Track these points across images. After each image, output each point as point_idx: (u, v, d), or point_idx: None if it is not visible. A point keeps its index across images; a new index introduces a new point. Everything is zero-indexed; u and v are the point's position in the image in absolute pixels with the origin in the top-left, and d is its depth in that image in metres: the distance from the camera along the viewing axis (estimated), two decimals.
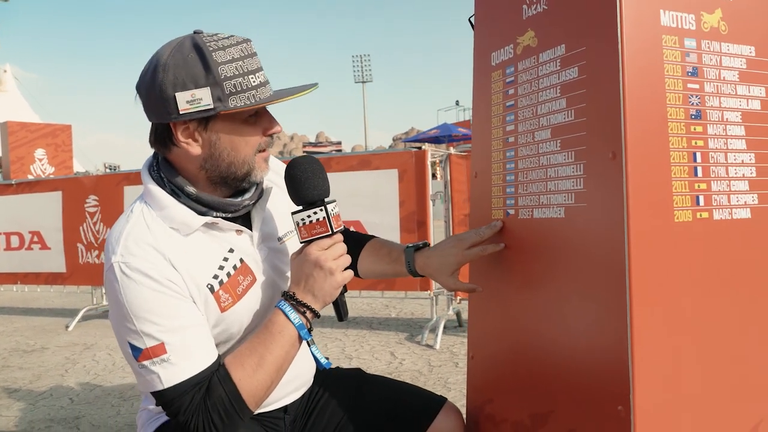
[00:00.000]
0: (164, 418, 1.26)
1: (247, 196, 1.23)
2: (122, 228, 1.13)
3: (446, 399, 1.44)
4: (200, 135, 1.14)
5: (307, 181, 1.14)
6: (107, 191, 4.79)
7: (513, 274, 1.33)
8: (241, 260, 1.22)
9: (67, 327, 4.75)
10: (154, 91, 1.10)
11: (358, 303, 5.14)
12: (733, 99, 1.18)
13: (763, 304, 1.17)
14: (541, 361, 1.25)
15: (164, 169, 1.19)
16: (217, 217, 1.18)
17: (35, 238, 5.14)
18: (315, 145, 62.28)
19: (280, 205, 1.31)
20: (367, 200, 3.93)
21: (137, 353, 1.07)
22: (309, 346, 1.16)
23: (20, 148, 12.98)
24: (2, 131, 13.67)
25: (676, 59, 1.11)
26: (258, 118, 1.18)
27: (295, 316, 1.12)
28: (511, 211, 1.34)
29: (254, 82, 1.12)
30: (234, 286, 1.19)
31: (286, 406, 1.37)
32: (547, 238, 1.24)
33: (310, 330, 1.14)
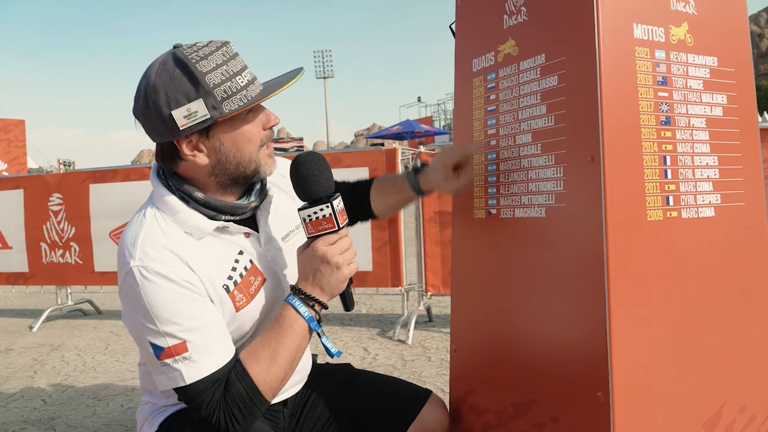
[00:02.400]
0: (170, 410, 1.29)
1: (252, 198, 1.27)
2: (137, 232, 1.16)
3: (431, 392, 1.51)
4: (204, 145, 1.18)
5: (312, 178, 1.18)
6: (72, 189, 4.70)
7: (495, 269, 1.40)
8: (251, 261, 1.27)
9: (31, 328, 4.66)
10: (151, 113, 1.14)
11: None
12: (699, 106, 1.27)
13: (727, 295, 1.27)
14: (523, 352, 1.33)
15: (171, 178, 1.23)
16: (227, 221, 1.23)
17: None
18: (276, 140, 61.58)
19: (281, 206, 1.36)
20: None
21: (159, 352, 1.10)
22: (320, 337, 1.21)
23: None
24: None
25: (648, 69, 1.20)
26: (255, 114, 1.21)
27: (304, 310, 1.17)
28: (493, 211, 1.41)
29: (242, 82, 1.16)
30: (247, 286, 1.24)
31: (286, 399, 1.42)
32: (528, 235, 1.31)
33: (319, 321, 1.19)
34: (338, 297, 1.24)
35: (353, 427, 1.44)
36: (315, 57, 62.84)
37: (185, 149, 1.17)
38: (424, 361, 3.34)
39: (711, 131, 1.28)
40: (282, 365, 1.15)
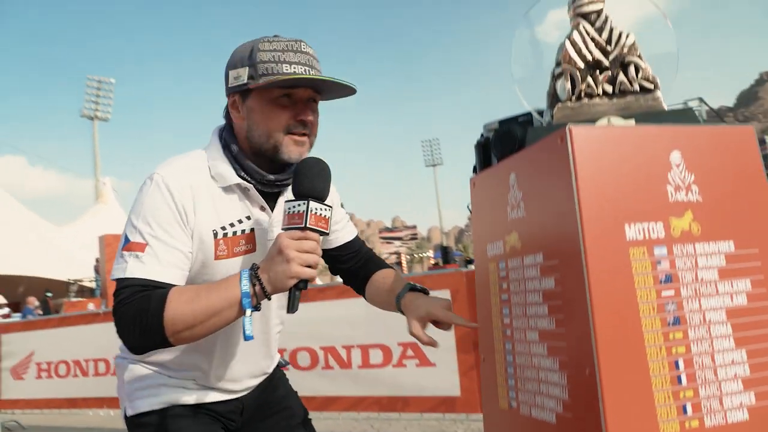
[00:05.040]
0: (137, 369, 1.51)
1: (278, 176, 1.44)
2: (182, 158, 1.41)
3: None
4: (241, 107, 1.40)
5: (301, 176, 1.29)
6: None
7: None
8: (252, 230, 1.43)
9: None
10: (225, 72, 1.43)
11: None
12: (715, 298, 1.19)
13: None
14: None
15: (227, 131, 1.46)
16: (250, 183, 1.41)
17: None
18: (391, 230, 63.11)
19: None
20: None
21: (125, 243, 1.29)
22: (244, 314, 1.24)
23: None
24: (100, 244, 14.75)
25: (646, 269, 1.15)
26: (292, 104, 1.38)
27: (246, 283, 1.23)
28: (514, 404, 1.37)
29: (287, 69, 1.34)
30: (233, 244, 1.40)
31: (241, 398, 1.58)
32: None
33: (257, 307, 1.25)
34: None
35: None
36: (423, 146, 64.70)
37: (230, 105, 1.42)
38: None
39: (734, 323, 1.19)
40: (194, 311, 1.21)
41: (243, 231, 1.41)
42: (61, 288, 25.39)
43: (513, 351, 1.37)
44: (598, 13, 1.32)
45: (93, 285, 22.06)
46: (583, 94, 1.32)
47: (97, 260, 16.40)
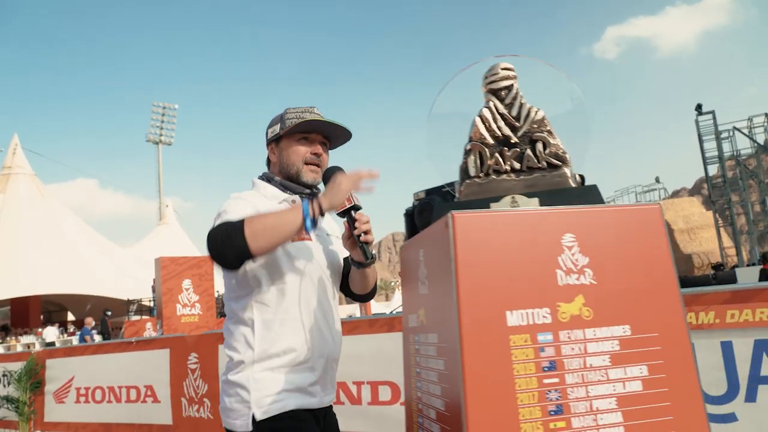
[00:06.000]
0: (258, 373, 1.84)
1: (309, 190, 2.01)
2: (240, 192, 1.98)
3: None
4: (276, 150, 2.02)
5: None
6: (205, 350, 5.23)
7: None
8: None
9: None
10: (265, 132, 2.07)
11: None
12: (604, 385, 1.17)
13: None
14: None
15: (266, 172, 2.07)
16: (294, 195, 1.97)
17: (149, 392, 5.65)
18: None
19: (331, 221, 2.00)
20: None
21: (216, 220, 1.80)
22: (305, 221, 1.72)
23: (170, 281, 14.36)
24: (156, 266, 15.32)
25: (528, 357, 1.14)
26: (308, 143, 1.98)
27: (305, 203, 1.74)
28: None
29: (302, 120, 1.94)
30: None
31: (316, 410, 1.90)
32: None
33: (314, 220, 1.73)
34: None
35: None
36: None
37: (269, 152, 2.04)
38: None
39: (626, 411, 1.16)
40: (269, 221, 1.69)
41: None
42: (125, 307, 26.41)
43: (423, 426, 1.38)
44: (509, 89, 1.34)
45: (151, 304, 22.85)
46: (491, 170, 1.33)
47: (154, 280, 17.01)
